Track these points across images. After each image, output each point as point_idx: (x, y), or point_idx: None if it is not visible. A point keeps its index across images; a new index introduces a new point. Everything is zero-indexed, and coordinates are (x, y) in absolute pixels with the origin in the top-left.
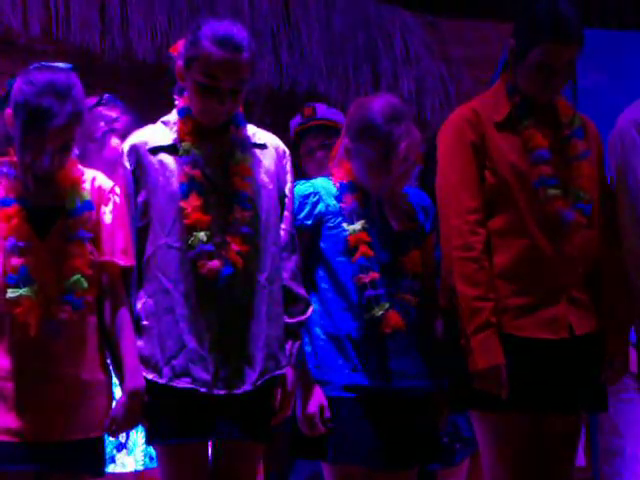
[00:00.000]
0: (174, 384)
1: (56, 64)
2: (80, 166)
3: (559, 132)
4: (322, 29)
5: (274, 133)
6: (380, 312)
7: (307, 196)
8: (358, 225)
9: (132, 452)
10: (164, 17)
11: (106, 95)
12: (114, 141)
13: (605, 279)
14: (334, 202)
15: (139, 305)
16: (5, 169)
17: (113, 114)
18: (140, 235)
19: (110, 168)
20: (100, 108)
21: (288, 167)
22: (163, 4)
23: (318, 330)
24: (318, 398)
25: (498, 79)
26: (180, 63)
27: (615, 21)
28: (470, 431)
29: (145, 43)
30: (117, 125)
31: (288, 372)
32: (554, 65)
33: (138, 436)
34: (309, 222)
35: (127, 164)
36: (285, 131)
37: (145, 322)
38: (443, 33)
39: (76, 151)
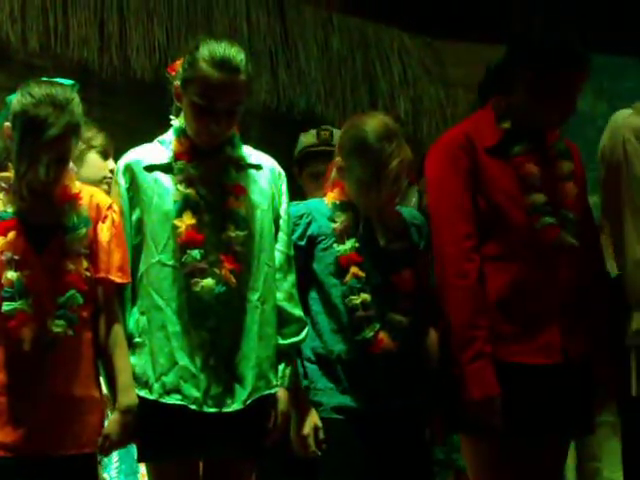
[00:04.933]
0: (164, 400)
1: (56, 79)
2: (78, 183)
3: (545, 154)
4: (320, 50)
5: (271, 153)
6: (370, 334)
7: (300, 217)
8: (348, 245)
9: (107, 468)
10: (162, 34)
11: None
12: (91, 157)
13: (591, 301)
14: (327, 222)
15: (132, 322)
16: (4, 183)
17: (89, 134)
18: (133, 252)
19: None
20: None
21: (283, 188)
22: (161, 21)
23: (309, 351)
24: (312, 420)
25: (483, 104)
26: (177, 84)
27: (615, 47)
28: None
29: (143, 60)
30: (94, 142)
31: (280, 393)
32: (567, 92)
33: (113, 453)
34: (302, 243)
35: (122, 181)
36: (282, 151)
37: (137, 339)
38: (441, 55)
39: (73, 167)
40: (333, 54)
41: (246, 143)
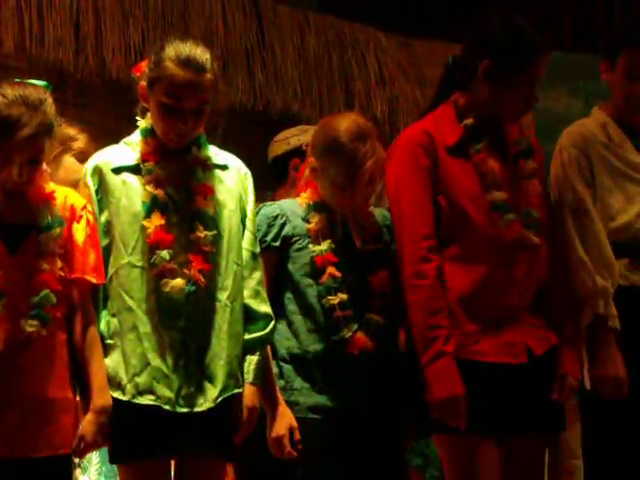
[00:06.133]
0: (138, 401)
1: (30, 81)
2: (52, 183)
3: (508, 151)
4: (296, 49)
5: (247, 152)
6: (348, 334)
7: (274, 218)
8: (324, 245)
9: (86, 471)
10: (138, 35)
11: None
12: (68, 160)
13: (552, 296)
14: (301, 223)
15: (103, 323)
16: None
17: (71, 132)
18: (103, 254)
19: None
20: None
21: (250, 188)
22: (137, 22)
23: (284, 351)
24: (287, 420)
25: (444, 100)
26: (143, 84)
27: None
28: None
29: (119, 61)
30: (74, 144)
31: (246, 388)
32: (525, 81)
33: (93, 454)
34: (276, 244)
35: (90, 183)
36: (258, 149)
37: (109, 340)
38: (417, 54)
39: (47, 168)
40: (309, 53)
41: (224, 142)
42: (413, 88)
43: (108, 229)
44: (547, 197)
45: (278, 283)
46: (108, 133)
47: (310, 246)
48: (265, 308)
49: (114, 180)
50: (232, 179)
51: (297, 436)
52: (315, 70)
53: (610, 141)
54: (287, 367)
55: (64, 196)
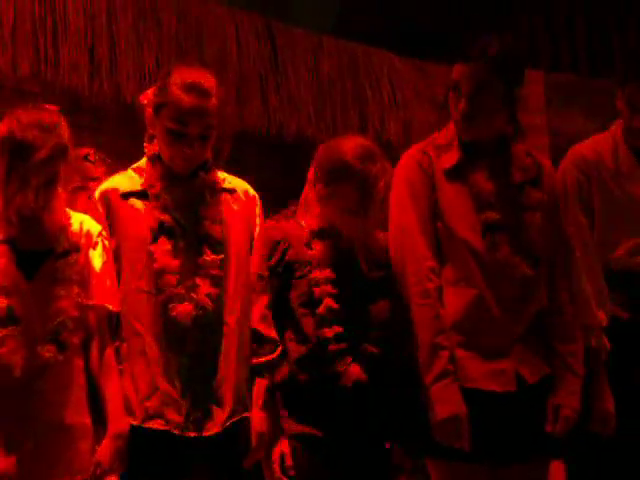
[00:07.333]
0: (147, 425)
1: (43, 105)
2: (68, 209)
3: (511, 178)
4: (310, 73)
5: (261, 175)
6: (342, 367)
7: (277, 243)
8: (324, 275)
9: None
10: (152, 60)
11: (93, 151)
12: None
13: (552, 324)
14: (304, 249)
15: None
16: None
17: (96, 174)
18: None
19: None
20: (86, 163)
21: (257, 211)
22: (151, 47)
23: (277, 377)
24: (280, 446)
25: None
26: (150, 110)
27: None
28: None
29: (133, 85)
30: (92, 185)
31: (254, 413)
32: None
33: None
34: (278, 269)
35: (100, 209)
36: (272, 173)
37: (119, 366)
38: (431, 77)
39: (63, 193)
40: (323, 77)
41: (240, 166)
42: (427, 111)
43: (116, 255)
44: (556, 224)
45: (277, 309)
46: (122, 157)
47: (310, 274)
48: (272, 332)
49: (122, 206)
50: (240, 203)
51: (289, 462)
52: (329, 94)
53: (617, 169)
54: (279, 394)
55: (80, 222)
